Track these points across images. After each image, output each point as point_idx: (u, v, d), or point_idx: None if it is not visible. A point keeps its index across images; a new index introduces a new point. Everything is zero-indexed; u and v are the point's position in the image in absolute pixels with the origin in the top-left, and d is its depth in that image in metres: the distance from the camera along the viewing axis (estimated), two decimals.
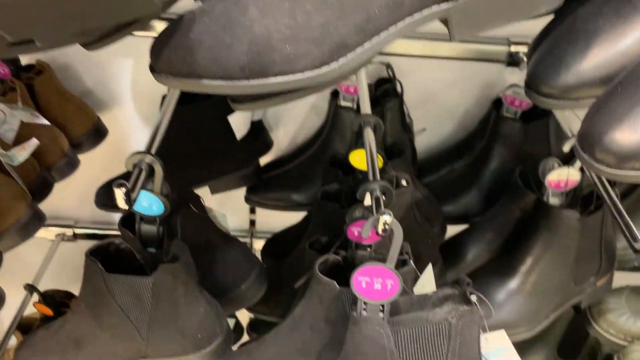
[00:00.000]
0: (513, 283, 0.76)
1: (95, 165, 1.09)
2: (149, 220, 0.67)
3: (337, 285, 0.64)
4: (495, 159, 0.96)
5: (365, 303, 0.58)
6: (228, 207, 0.95)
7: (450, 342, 0.55)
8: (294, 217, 0.95)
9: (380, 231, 0.57)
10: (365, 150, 0.70)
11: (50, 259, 1.20)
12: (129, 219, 0.71)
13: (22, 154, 0.82)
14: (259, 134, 1.01)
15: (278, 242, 0.96)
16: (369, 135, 0.71)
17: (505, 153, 0.95)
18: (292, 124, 1.11)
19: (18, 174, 0.82)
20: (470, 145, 1.01)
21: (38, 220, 0.84)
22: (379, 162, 0.76)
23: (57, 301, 1.16)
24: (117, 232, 1.27)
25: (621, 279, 0.95)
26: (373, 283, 0.58)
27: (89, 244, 1.28)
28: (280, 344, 0.70)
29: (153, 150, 0.70)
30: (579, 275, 0.82)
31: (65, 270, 1.35)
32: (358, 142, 0.76)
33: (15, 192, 0.80)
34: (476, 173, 0.96)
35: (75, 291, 1.23)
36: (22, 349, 0.76)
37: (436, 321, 0.55)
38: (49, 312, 1.15)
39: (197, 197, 0.74)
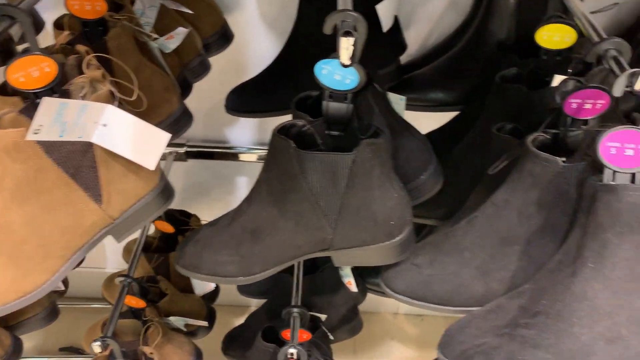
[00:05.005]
0: None
1: (208, 79, 1.03)
2: (339, 97, 0.61)
3: (561, 162, 0.57)
4: None
5: (614, 172, 0.51)
6: None
7: None
8: None
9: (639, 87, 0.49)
10: (576, 16, 0.62)
11: None
12: (302, 102, 0.66)
13: (171, 42, 0.77)
14: (397, 32, 0.94)
15: None
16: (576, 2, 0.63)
17: None
18: (423, 25, 1.03)
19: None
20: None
21: (188, 117, 0.79)
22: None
23: (176, 219, 1.14)
24: (230, 150, 1.25)
25: None
26: (624, 149, 0.51)
27: (198, 162, 1.27)
28: (477, 234, 0.64)
29: None
30: None
31: (177, 190, 1.32)
32: (551, 17, 0.69)
33: (167, 84, 0.75)
34: None
35: (189, 211, 1.20)
36: (187, 247, 0.72)
37: None
38: (170, 229, 1.13)
39: (378, 78, 0.67)
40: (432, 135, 0.90)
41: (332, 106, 0.61)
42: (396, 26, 0.93)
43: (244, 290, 1.30)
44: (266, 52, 1.06)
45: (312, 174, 0.60)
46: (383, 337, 1.58)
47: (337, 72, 0.59)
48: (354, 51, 0.52)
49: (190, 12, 0.80)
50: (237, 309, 1.54)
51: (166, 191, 0.65)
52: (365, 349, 1.54)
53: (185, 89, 0.84)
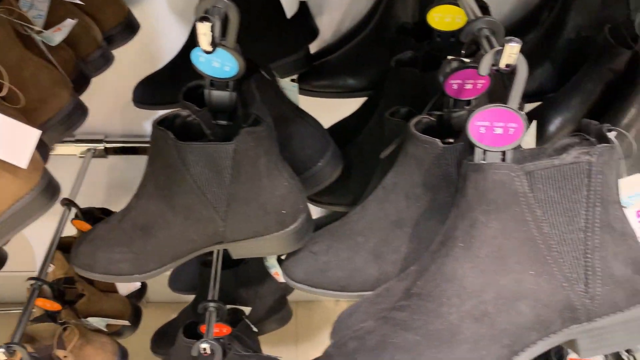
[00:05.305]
0: None
1: (123, 72, 1.00)
2: (220, 85, 0.59)
3: (441, 143, 0.57)
4: (570, 29, 0.87)
5: (484, 151, 0.51)
6: None
7: (590, 182, 0.49)
8: None
9: (504, 65, 0.49)
10: None
11: (82, 176, 1.13)
12: (191, 92, 0.64)
13: (58, 34, 0.73)
14: (306, 18, 0.93)
15: (334, 134, 0.89)
16: None
17: (581, 21, 0.87)
18: (336, 11, 1.02)
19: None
20: (535, 19, 0.93)
21: (82, 111, 0.76)
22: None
23: (95, 217, 1.11)
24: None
25: None
26: (493, 128, 0.51)
27: (121, 159, 1.24)
28: (369, 218, 0.64)
29: None
30: None
31: (98, 188, 1.29)
32: None
33: (56, 78, 0.72)
34: (548, 46, 0.88)
35: (110, 208, 1.17)
36: (82, 246, 0.69)
37: (571, 161, 0.49)
38: (89, 227, 1.09)
39: (267, 65, 0.66)
40: (341, 122, 0.89)
41: (215, 95, 0.60)
42: (304, 12, 0.92)
43: (174, 286, 1.28)
44: (178, 42, 1.03)
45: (194, 165, 0.59)
46: (325, 325, 1.58)
47: (215, 60, 0.57)
48: (213, 37, 0.51)
49: (80, 2, 0.77)
50: (173, 305, 1.52)
51: (50, 189, 0.63)
52: (307, 338, 1.54)
53: (82, 83, 0.81)
